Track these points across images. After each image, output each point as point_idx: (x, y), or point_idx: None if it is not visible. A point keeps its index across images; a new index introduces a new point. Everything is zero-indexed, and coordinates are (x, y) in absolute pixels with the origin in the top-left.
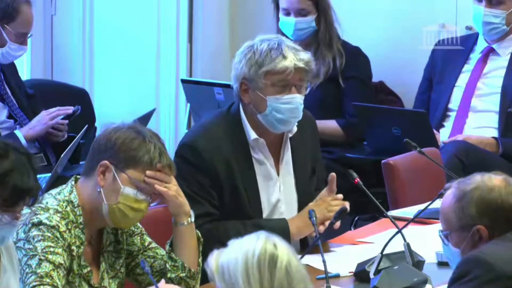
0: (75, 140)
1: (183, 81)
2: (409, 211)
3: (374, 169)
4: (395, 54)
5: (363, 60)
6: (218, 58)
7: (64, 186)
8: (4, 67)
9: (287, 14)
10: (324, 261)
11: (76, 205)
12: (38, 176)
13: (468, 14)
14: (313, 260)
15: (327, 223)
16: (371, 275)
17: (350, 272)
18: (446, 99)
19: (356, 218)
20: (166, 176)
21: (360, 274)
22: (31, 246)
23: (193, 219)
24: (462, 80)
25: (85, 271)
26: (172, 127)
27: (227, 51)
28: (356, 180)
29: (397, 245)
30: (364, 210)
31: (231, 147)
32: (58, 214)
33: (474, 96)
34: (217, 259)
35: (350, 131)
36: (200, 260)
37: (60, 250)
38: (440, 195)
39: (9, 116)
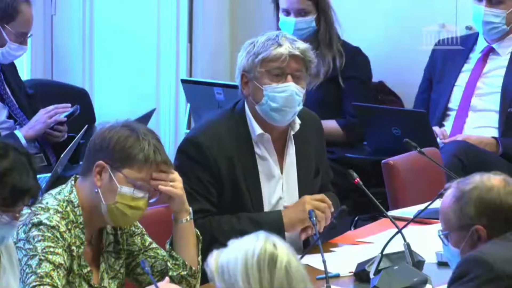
0: (75, 140)
1: (183, 81)
2: (409, 211)
3: (374, 169)
4: (395, 54)
5: (363, 60)
6: (218, 58)
7: (64, 186)
8: (4, 67)
9: (287, 14)
10: (324, 261)
11: (76, 205)
12: (38, 176)
13: (468, 14)
14: (313, 260)
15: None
16: (371, 275)
17: (350, 272)
18: (446, 98)
19: (356, 218)
20: (169, 175)
21: (360, 274)
22: (31, 246)
23: (192, 216)
24: (462, 79)
25: (85, 271)
26: (172, 127)
27: (227, 51)
28: (356, 180)
29: (397, 245)
30: (364, 210)
31: (234, 143)
32: (58, 214)
33: (474, 96)
34: (216, 259)
35: (350, 131)
36: (199, 258)
37: (60, 250)
38: (440, 195)
39: (9, 116)
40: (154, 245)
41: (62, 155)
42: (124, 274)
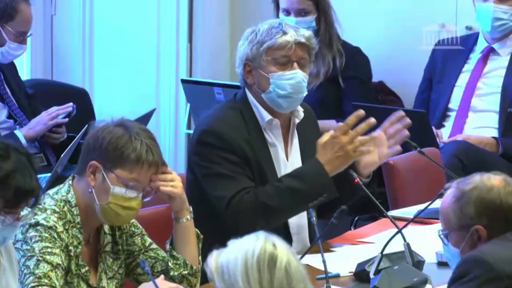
0: (75, 140)
1: (183, 81)
2: (409, 211)
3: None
4: (395, 54)
5: (363, 60)
6: (218, 58)
7: (61, 185)
8: (4, 67)
9: (287, 14)
10: (324, 261)
11: (73, 205)
12: (38, 176)
13: (468, 14)
14: (313, 260)
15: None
16: (371, 275)
17: (350, 272)
18: (446, 99)
19: (356, 218)
20: (167, 175)
21: (360, 274)
22: (28, 247)
23: (192, 215)
24: (462, 80)
25: (83, 270)
26: (172, 127)
27: (227, 51)
28: (356, 180)
29: (397, 245)
30: (364, 210)
31: (247, 130)
32: (56, 215)
33: (474, 96)
34: (216, 259)
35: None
36: (200, 258)
37: (57, 251)
38: (440, 195)
39: (9, 116)
40: (154, 245)
41: (62, 155)
42: (123, 275)
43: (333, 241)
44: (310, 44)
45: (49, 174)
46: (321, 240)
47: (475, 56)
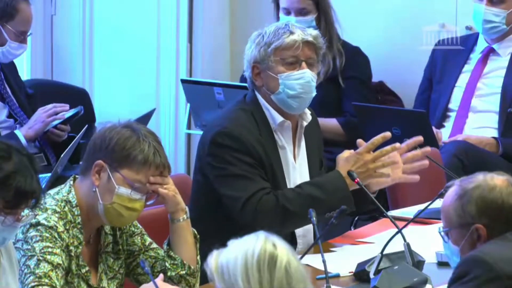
0: (75, 140)
1: (183, 81)
2: (409, 211)
3: None
4: (395, 54)
5: (363, 60)
6: (218, 58)
7: (62, 186)
8: (4, 66)
9: (288, 13)
10: (324, 261)
11: (74, 205)
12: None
13: (468, 14)
14: (313, 260)
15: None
16: (371, 275)
17: (350, 272)
18: (446, 99)
19: (356, 218)
20: (164, 179)
21: (360, 274)
22: (29, 247)
23: (189, 215)
24: (462, 80)
25: (83, 270)
26: (172, 127)
27: (227, 51)
28: (356, 180)
29: (397, 245)
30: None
31: (258, 131)
32: (56, 215)
33: (474, 96)
34: (216, 259)
35: (351, 129)
36: (198, 258)
37: (58, 251)
38: (441, 195)
39: (9, 116)
40: (154, 245)
41: (62, 155)
42: (124, 275)
43: (333, 241)
44: (318, 43)
45: (49, 174)
46: (321, 240)
47: (475, 56)
